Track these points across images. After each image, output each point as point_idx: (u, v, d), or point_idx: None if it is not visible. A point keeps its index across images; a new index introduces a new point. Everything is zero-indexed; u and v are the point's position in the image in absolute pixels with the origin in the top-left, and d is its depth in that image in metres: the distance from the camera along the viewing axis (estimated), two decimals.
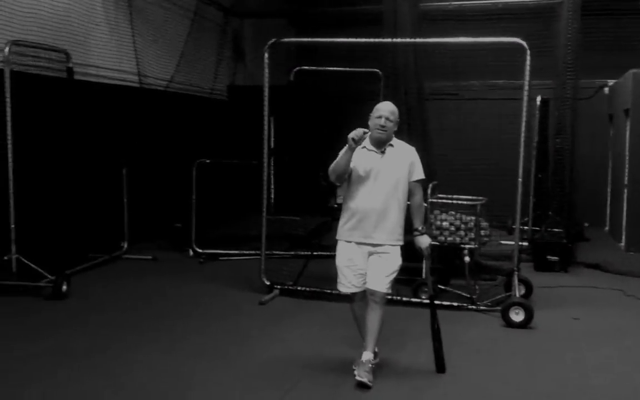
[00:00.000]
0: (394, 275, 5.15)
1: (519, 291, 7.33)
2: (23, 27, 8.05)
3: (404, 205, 5.19)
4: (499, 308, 6.75)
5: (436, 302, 7.00)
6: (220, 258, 9.47)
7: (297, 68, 9.96)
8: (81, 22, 9.25)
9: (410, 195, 5.22)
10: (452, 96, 11.65)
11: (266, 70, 7.55)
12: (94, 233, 9.24)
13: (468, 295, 7.26)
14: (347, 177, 5.15)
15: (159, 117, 10.39)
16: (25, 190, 7.76)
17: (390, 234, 5.11)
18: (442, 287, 7.55)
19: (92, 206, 9.15)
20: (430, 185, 7.61)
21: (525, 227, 10.93)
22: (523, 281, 7.53)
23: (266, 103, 7.57)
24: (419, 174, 5.22)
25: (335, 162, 4.98)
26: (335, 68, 9.47)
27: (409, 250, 7.88)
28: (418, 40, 7.77)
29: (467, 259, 7.23)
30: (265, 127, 7.64)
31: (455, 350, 5.80)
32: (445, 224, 7.40)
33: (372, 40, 7.49)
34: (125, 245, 9.63)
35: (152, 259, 9.42)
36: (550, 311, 7.10)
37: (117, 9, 10.04)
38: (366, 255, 5.13)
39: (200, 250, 9.58)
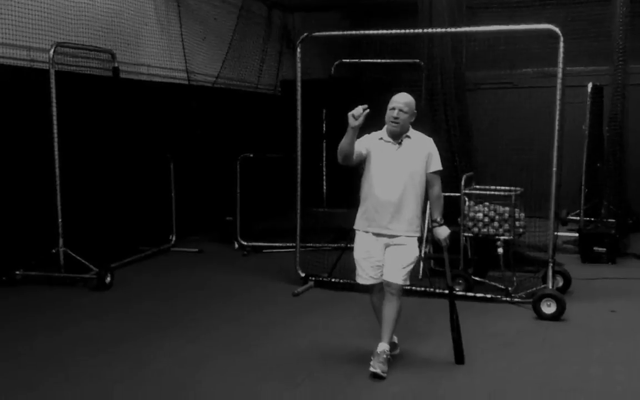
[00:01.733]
0: (411, 266, 5.17)
1: (556, 283, 7.23)
2: (73, 29, 8.43)
3: (421, 197, 5.19)
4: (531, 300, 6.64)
5: (469, 291, 7.11)
6: (264, 250, 9.64)
7: (338, 61, 10.01)
8: (132, 22, 9.60)
9: (428, 186, 5.22)
10: (498, 85, 11.46)
11: (298, 65, 7.65)
12: (144, 226, 9.56)
13: (503, 287, 7.17)
14: (363, 167, 5.18)
15: (207, 113, 10.64)
16: (72, 186, 8.12)
17: (408, 226, 5.12)
18: (478, 278, 7.50)
19: (141, 200, 9.46)
20: (464, 176, 7.53)
21: (577, 218, 10.69)
22: (561, 273, 7.38)
23: (298, 97, 7.68)
24: (437, 165, 5.21)
25: (341, 141, 4.95)
26: (375, 60, 9.47)
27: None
28: (448, 30, 7.68)
29: (500, 250, 7.13)
30: (298, 121, 7.73)
31: (481, 341, 5.79)
32: (479, 215, 7.33)
33: (403, 31, 7.42)
34: (174, 238, 9.93)
35: (199, 251, 9.68)
36: (588, 303, 6.95)
37: (167, 8, 10.34)
38: (383, 246, 5.16)
39: (245, 243, 9.77)
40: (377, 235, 5.15)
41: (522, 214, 7.41)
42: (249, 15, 11.65)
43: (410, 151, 5.13)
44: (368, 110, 4.80)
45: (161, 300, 7.20)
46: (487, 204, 7.40)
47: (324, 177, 12.94)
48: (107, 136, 8.79)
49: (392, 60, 9.16)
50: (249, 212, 10.07)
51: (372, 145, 5.16)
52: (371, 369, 4.98)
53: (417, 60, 8.69)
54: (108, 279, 7.61)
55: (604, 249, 8.88)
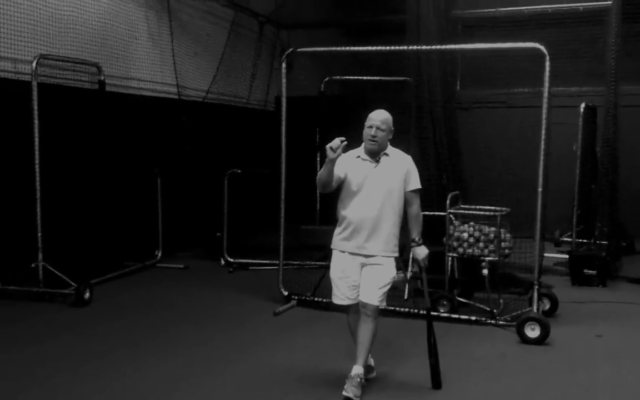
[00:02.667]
0: (387, 287, 5.04)
1: (542, 306, 7.10)
2: (62, 42, 8.36)
3: (399, 216, 5.08)
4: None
5: (453, 313, 6.98)
6: (250, 267, 9.51)
7: (327, 78, 9.93)
8: (123, 36, 9.54)
9: (407, 205, 5.10)
10: (492, 104, 11.39)
11: (283, 80, 7.59)
12: (130, 242, 9.45)
13: (489, 309, 7.04)
14: (341, 186, 5.08)
15: (196, 128, 10.55)
16: (55, 200, 8.02)
17: (384, 245, 5.00)
18: (464, 300, 7.36)
19: (127, 215, 9.36)
20: (450, 195, 7.42)
21: (569, 239, 10.56)
22: (548, 296, 7.25)
23: (283, 113, 7.60)
24: (416, 183, 5.10)
25: (319, 172, 4.90)
26: (364, 77, 9.39)
27: (431, 261, 7.77)
28: (433, 47, 7.60)
29: (485, 272, 7.00)
30: (283, 137, 7.63)
31: (461, 365, 5.67)
32: (464, 235, 7.20)
33: (389, 48, 7.36)
34: (159, 254, 9.82)
35: (184, 267, 9.56)
36: (574, 327, 6.81)
37: (159, 22, 10.29)
38: (359, 266, 5.04)
39: (231, 260, 9.66)
40: (353, 254, 5.03)
41: (509, 235, 7.27)
42: (241, 30, 11.59)
43: (388, 169, 5.02)
44: (345, 142, 4.72)
45: (138, 317, 7.07)
46: (472, 224, 7.28)
47: (317, 194, 12.81)
48: (91, 150, 8.69)
49: (382, 78, 9.07)
50: (236, 228, 9.96)
51: (348, 165, 5.05)
52: (344, 393, 4.85)
53: (407, 78, 8.61)
54: (87, 295, 7.49)
55: (595, 272, 8.73)
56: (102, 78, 8.76)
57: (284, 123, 7.63)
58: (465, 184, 8.61)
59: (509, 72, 10.76)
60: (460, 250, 7.22)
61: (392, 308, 7.16)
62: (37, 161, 7.58)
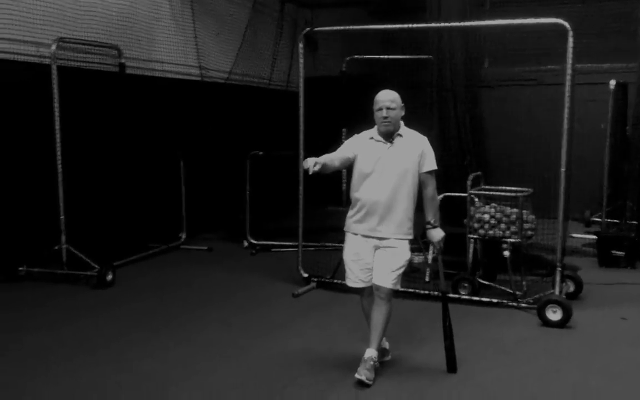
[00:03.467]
0: (401, 270, 4.97)
1: (566, 288, 6.97)
2: (84, 26, 8.42)
3: (414, 198, 4.99)
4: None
5: (475, 295, 6.87)
6: (272, 249, 9.50)
7: (349, 57, 9.81)
8: (145, 19, 9.56)
9: (422, 187, 5.01)
10: (521, 82, 11.15)
11: (301, 60, 7.51)
12: (154, 224, 9.51)
13: (511, 291, 6.92)
14: (353, 168, 5.01)
15: (218, 110, 10.53)
16: (79, 183, 8.11)
17: (397, 228, 4.92)
18: (486, 282, 7.24)
19: (151, 198, 9.41)
20: (471, 176, 7.29)
21: (599, 220, 10.34)
22: (572, 277, 7.10)
23: (301, 94, 7.54)
24: (431, 164, 4.99)
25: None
26: (385, 56, 9.25)
27: (453, 243, 7.67)
28: (453, 24, 7.42)
29: (506, 253, 6.87)
30: (301, 119, 7.58)
31: (479, 348, 5.60)
32: (485, 216, 7.07)
33: (408, 25, 7.21)
34: (184, 236, 9.87)
35: (208, 249, 9.59)
36: (598, 310, 6.66)
37: (181, 4, 10.28)
38: (373, 249, 4.97)
39: (254, 242, 9.66)
40: (366, 237, 4.97)
41: (532, 216, 7.12)
42: (263, 9, 11.51)
43: (402, 150, 4.93)
44: (317, 168, 4.61)
45: (158, 300, 7.11)
46: (494, 205, 7.14)
47: (343, 176, 12.74)
48: (113, 132, 8.73)
49: (405, 57, 8.92)
50: (259, 210, 9.95)
51: (361, 146, 4.98)
52: (356, 375, 4.80)
53: (429, 57, 8.45)
54: (109, 277, 7.56)
55: (623, 253, 8.51)
56: (122, 61, 8.77)
57: (302, 104, 7.57)
58: (490, 164, 8.44)
59: (538, 49, 10.55)
60: (482, 231, 7.10)
61: (412, 290, 7.12)
62: (58, 144, 7.64)
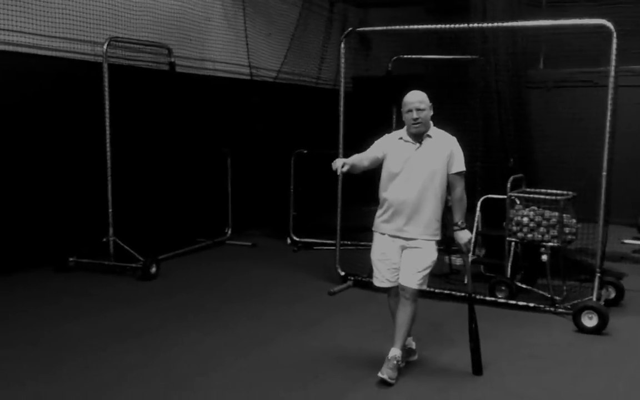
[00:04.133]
0: (428, 271, 4.96)
1: (607, 294, 6.83)
2: (138, 26, 8.77)
3: (442, 199, 4.99)
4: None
5: (512, 299, 6.79)
6: (315, 247, 9.59)
7: (395, 57, 9.80)
8: (198, 18, 9.83)
9: (450, 188, 5.01)
10: (577, 84, 10.89)
11: (342, 60, 7.56)
12: (202, 219, 9.74)
13: (549, 296, 6.81)
14: (382, 168, 5.05)
15: (268, 109, 10.68)
16: (128, 178, 8.40)
17: (425, 228, 4.93)
18: (525, 286, 7.15)
19: (199, 194, 9.64)
20: (511, 178, 7.21)
21: None
22: (613, 284, 6.94)
23: (341, 93, 7.59)
24: (459, 166, 4.97)
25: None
26: (433, 56, 9.19)
27: (493, 246, 7.59)
28: (493, 25, 7.32)
29: (544, 257, 6.77)
30: (341, 118, 7.62)
31: (509, 352, 5.56)
32: (524, 219, 6.97)
33: (452, 26, 7.20)
34: (229, 232, 10.06)
35: (252, 245, 9.76)
36: (637, 317, 6.51)
37: (232, 3, 10.49)
38: (399, 249, 4.99)
39: (297, 239, 9.77)
40: (394, 237, 4.99)
41: (573, 220, 6.99)
42: (313, 8, 11.61)
43: (430, 151, 4.93)
44: (345, 168, 4.82)
45: (198, 292, 7.31)
46: (534, 208, 7.04)
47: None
48: (163, 130, 8.99)
49: (450, 57, 8.84)
50: (303, 208, 10.05)
51: (390, 146, 5.01)
52: (379, 374, 4.83)
53: (474, 56, 8.37)
54: (153, 269, 7.79)
55: None
56: (173, 60, 9.02)
57: (342, 102, 7.61)
58: (537, 167, 8.29)
59: (593, 50, 10.28)
60: (520, 235, 7.00)
61: (448, 292, 7.09)
62: (108, 140, 7.92)
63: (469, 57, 8.35)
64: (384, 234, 5.05)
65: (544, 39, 10.93)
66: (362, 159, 5.00)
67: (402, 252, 4.99)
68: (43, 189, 7.98)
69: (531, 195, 7.10)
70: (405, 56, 9.41)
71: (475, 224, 7.80)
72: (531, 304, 6.75)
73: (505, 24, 7.38)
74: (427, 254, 4.94)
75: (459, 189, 4.99)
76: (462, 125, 8.43)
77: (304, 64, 11.32)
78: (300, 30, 11.13)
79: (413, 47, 11.55)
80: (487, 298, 6.97)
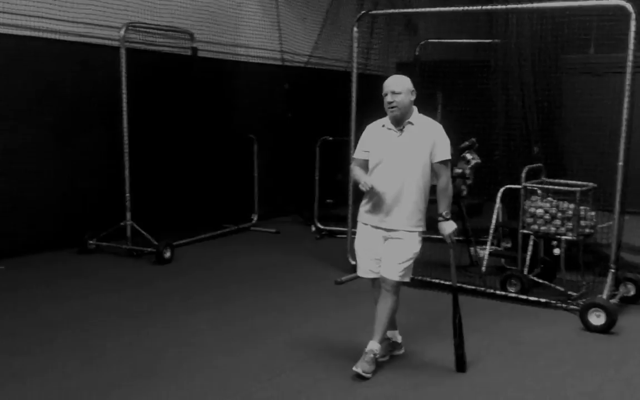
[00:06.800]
0: (409, 262, 4.80)
1: (626, 291, 6.48)
2: (167, 11, 8.89)
3: (425, 189, 4.80)
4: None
5: (524, 294, 6.50)
6: (338, 235, 9.47)
7: (423, 41, 9.52)
8: (233, 5, 9.91)
9: (435, 177, 4.82)
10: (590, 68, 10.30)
11: (355, 44, 7.42)
12: (229, 205, 9.77)
13: (563, 291, 6.51)
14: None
15: (299, 95, 10.59)
16: (151, 163, 8.52)
17: (407, 219, 4.76)
18: (539, 280, 6.85)
19: (226, 180, 9.66)
20: (526, 167, 6.90)
21: None
22: (633, 281, 6.56)
23: (354, 79, 7.42)
24: (444, 154, 4.77)
25: (353, 170, 4.98)
26: (460, 40, 8.89)
27: (514, 238, 7.27)
28: (509, 6, 6.99)
29: (556, 251, 6.47)
30: (353, 106, 7.46)
31: (502, 349, 5.37)
32: (539, 211, 6.66)
33: (469, 8, 6.94)
34: (255, 218, 10.06)
35: (275, 232, 9.74)
36: None
37: None
38: (382, 240, 4.85)
39: (321, 227, 9.68)
40: (376, 227, 4.85)
41: (592, 213, 6.64)
42: None
43: (412, 139, 4.75)
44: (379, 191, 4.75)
45: (205, 278, 7.35)
46: (549, 199, 6.72)
47: None
48: (185, 116, 9.04)
49: (477, 41, 8.53)
50: (328, 195, 9.96)
51: (372, 137, 4.87)
52: (354, 368, 4.70)
53: (496, 40, 8.03)
54: (167, 254, 7.86)
55: None
56: (194, 45, 9.05)
57: (354, 90, 7.44)
58: (561, 156, 7.91)
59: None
60: (535, 227, 6.71)
61: (459, 284, 6.84)
62: (125, 125, 8.01)
63: (491, 41, 8.01)
64: (366, 224, 4.91)
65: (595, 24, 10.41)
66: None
67: (384, 242, 4.84)
68: (72, 174, 8.22)
69: (545, 186, 6.78)
70: (432, 41, 9.10)
71: (495, 215, 7.51)
72: (542, 300, 6.45)
73: (521, 6, 7.05)
74: (409, 245, 4.77)
75: (444, 178, 4.79)
76: (483, 112, 8.20)
77: (335, 49, 11.15)
78: (332, 14, 10.96)
79: (463, 31, 11.23)
80: (498, 292, 6.72)
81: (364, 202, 4.96)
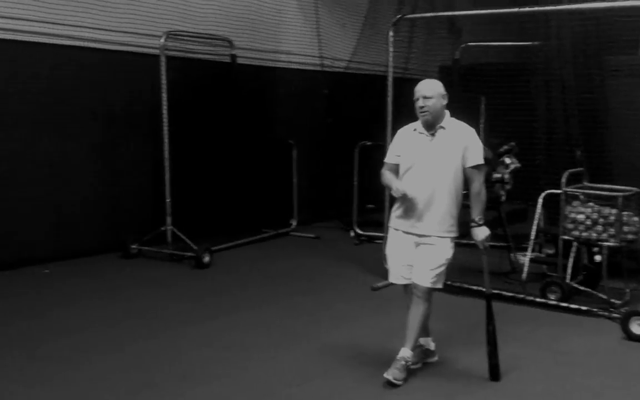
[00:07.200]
0: (441, 269, 4.74)
1: None
2: (203, 19, 9.01)
3: (456, 193, 4.74)
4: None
5: (564, 301, 6.34)
6: (377, 241, 9.39)
7: (463, 44, 9.40)
8: (273, 12, 10.00)
9: (468, 182, 4.75)
10: None
11: (390, 49, 7.34)
12: (268, 210, 9.81)
13: (606, 299, 6.34)
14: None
15: (338, 100, 10.59)
16: (191, 169, 8.67)
17: (439, 225, 4.70)
18: (582, 288, 6.67)
19: (266, 185, 9.71)
20: (567, 172, 6.74)
21: None
22: None
23: (390, 84, 7.37)
24: (476, 158, 4.70)
25: (384, 174, 4.91)
26: (499, 42, 8.74)
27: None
28: (550, 8, 6.85)
29: (597, 258, 6.30)
30: (389, 110, 7.41)
31: (540, 358, 5.27)
32: (580, 216, 6.50)
33: (512, 10, 6.81)
34: (294, 223, 10.09)
35: (315, 237, 9.74)
36: None
37: None
38: (413, 245, 4.79)
39: (360, 232, 9.64)
40: (407, 233, 4.80)
41: (636, 219, 6.44)
42: None
43: (444, 143, 4.70)
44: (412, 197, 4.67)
45: (242, 282, 7.43)
46: (591, 204, 6.55)
47: None
48: (225, 122, 9.12)
49: (515, 43, 8.38)
50: (367, 200, 9.90)
51: (404, 141, 4.83)
52: (385, 375, 4.66)
53: (536, 42, 7.89)
54: (206, 259, 7.93)
55: None
56: (233, 52, 9.13)
57: (390, 94, 7.39)
58: (604, 160, 7.70)
59: None
60: (575, 233, 6.54)
61: (497, 291, 6.73)
62: (165, 132, 8.13)
63: (531, 43, 7.87)
64: (398, 229, 4.87)
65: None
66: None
67: (416, 248, 4.78)
68: (114, 180, 8.41)
69: (587, 191, 6.61)
70: (472, 44, 8.97)
71: (536, 221, 7.35)
72: (583, 308, 6.29)
73: (561, 7, 6.90)
74: (441, 251, 4.71)
75: (477, 184, 4.72)
76: (524, 116, 8.04)
77: (373, 53, 11.10)
78: (371, 18, 10.91)
79: (500, 33, 11.03)
80: (538, 299, 6.57)
81: (395, 207, 4.92)
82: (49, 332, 5.67)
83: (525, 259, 7.47)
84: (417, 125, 4.81)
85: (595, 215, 6.43)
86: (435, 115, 4.68)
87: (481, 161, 4.72)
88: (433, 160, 4.68)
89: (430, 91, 4.65)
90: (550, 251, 7.67)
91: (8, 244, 7.44)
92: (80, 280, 7.33)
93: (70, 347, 5.30)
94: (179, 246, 8.17)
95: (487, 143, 8.93)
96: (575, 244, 6.74)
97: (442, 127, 4.72)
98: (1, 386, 4.55)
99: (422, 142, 4.74)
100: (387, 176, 4.85)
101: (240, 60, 9.28)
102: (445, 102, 4.72)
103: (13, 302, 6.47)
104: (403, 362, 4.71)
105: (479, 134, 8.83)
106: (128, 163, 8.48)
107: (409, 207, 4.74)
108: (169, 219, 8.27)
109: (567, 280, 6.60)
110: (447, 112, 4.77)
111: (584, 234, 6.48)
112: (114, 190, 8.40)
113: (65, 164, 7.94)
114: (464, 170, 4.71)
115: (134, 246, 8.32)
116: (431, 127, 4.72)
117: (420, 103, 4.65)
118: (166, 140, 8.14)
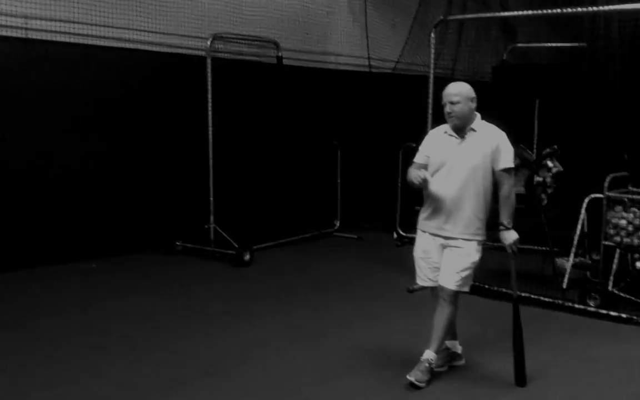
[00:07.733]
0: (468, 272, 4.71)
1: None
2: (262, 23, 9.24)
3: (485, 196, 4.70)
4: None
5: (604, 308, 6.18)
6: None
7: (512, 46, 9.24)
8: (321, 14, 10.09)
9: (498, 185, 4.71)
10: None
11: (432, 50, 7.30)
12: (312, 210, 9.90)
13: None
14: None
15: (384, 101, 10.58)
16: (237, 170, 8.85)
17: (465, 227, 4.67)
18: (623, 294, 6.50)
19: (310, 185, 9.80)
20: (609, 176, 6.57)
21: None
22: None
23: (431, 86, 7.33)
24: (506, 162, 4.65)
25: (410, 172, 4.81)
26: (548, 44, 8.56)
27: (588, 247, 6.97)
28: (600, 8, 6.68)
29: (638, 264, 6.13)
30: (430, 112, 7.37)
31: (572, 365, 5.18)
32: (622, 222, 6.34)
33: (553, 11, 6.69)
34: (337, 224, 10.13)
35: (357, 238, 9.76)
36: None
37: None
38: (440, 248, 4.78)
39: (402, 234, 9.61)
40: (434, 235, 4.79)
41: None
42: None
43: (473, 145, 4.67)
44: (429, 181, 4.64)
45: (281, 281, 7.50)
46: (634, 209, 6.37)
47: None
48: (270, 123, 9.25)
49: (563, 44, 8.19)
50: (412, 202, 9.84)
51: (434, 142, 4.82)
52: (407, 376, 4.66)
53: (583, 44, 7.71)
54: (246, 257, 8.06)
55: None
56: (280, 54, 9.24)
57: (430, 94, 7.37)
58: None
59: None
60: (617, 238, 6.39)
61: (535, 296, 6.63)
62: (210, 132, 8.31)
63: (579, 44, 7.70)
64: (425, 231, 4.86)
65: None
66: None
67: (443, 251, 4.77)
68: (160, 179, 8.61)
69: (630, 196, 6.43)
70: (520, 45, 8.84)
71: (580, 226, 7.20)
72: (623, 315, 6.13)
73: (606, 8, 6.74)
74: (468, 254, 4.68)
75: (506, 187, 4.67)
76: (569, 119, 7.88)
77: (422, 53, 11.04)
78: (420, 18, 10.85)
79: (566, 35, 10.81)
80: (577, 306, 6.44)
81: (423, 208, 4.91)
82: (98, 323, 5.91)
83: (565, 263, 7.34)
84: (447, 127, 4.79)
85: (637, 221, 6.28)
86: (463, 119, 4.65)
87: (511, 165, 4.67)
88: (461, 162, 4.65)
89: (457, 96, 4.62)
90: (597, 257, 7.51)
91: (57, 240, 7.73)
92: (125, 276, 7.57)
93: (115, 339, 5.52)
94: (222, 244, 8.33)
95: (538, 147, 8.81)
96: (617, 249, 6.59)
97: (472, 130, 4.68)
98: (59, 371, 4.83)
99: (451, 144, 4.72)
100: (410, 172, 4.81)
101: (287, 62, 9.38)
102: (474, 105, 4.68)
103: (63, 296, 6.73)
104: (427, 364, 4.70)
105: (532, 135, 8.71)
106: (174, 163, 8.66)
107: (437, 209, 4.72)
108: (212, 218, 8.44)
109: (609, 287, 6.45)
110: (478, 115, 4.73)
111: (626, 239, 6.32)
112: (160, 188, 8.60)
113: (113, 164, 8.20)
114: (494, 173, 4.66)
115: (178, 243, 8.53)
116: (460, 130, 4.69)
117: (447, 108, 4.64)
118: (211, 140, 8.31)
